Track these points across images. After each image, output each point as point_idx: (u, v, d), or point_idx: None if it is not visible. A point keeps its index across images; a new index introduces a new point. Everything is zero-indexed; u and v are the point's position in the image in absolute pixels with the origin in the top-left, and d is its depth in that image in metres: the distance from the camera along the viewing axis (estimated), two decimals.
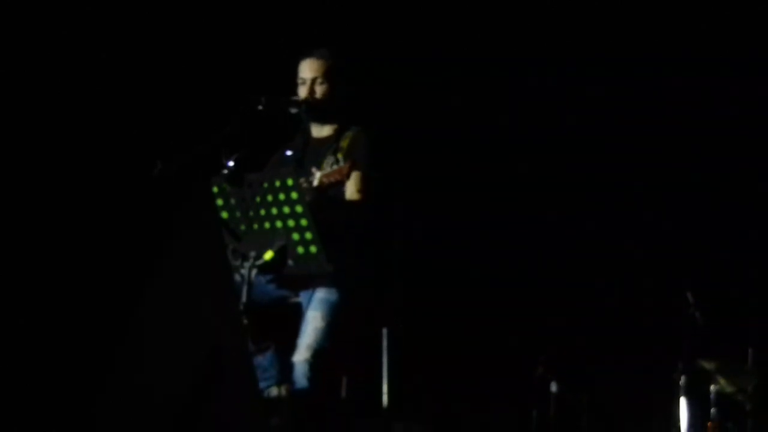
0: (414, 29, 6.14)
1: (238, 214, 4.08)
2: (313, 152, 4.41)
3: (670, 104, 6.27)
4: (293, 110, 4.31)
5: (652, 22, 6.18)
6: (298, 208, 3.98)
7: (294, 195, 3.97)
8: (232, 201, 4.08)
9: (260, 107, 4.12)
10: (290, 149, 4.53)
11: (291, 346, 4.21)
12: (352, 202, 4.29)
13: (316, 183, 4.11)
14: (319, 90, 4.38)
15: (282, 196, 3.98)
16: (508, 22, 6.24)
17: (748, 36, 6.04)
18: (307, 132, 4.52)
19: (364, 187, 4.27)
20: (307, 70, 4.41)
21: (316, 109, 4.39)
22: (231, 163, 3.99)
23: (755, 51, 6.04)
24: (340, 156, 4.14)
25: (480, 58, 6.24)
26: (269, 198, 4.00)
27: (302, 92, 4.40)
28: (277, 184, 3.97)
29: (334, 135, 4.43)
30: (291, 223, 4.00)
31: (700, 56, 6.07)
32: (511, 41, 6.24)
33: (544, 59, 6.26)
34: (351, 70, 4.52)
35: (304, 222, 3.99)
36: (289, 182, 3.96)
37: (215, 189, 4.05)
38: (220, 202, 4.08)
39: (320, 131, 4.49)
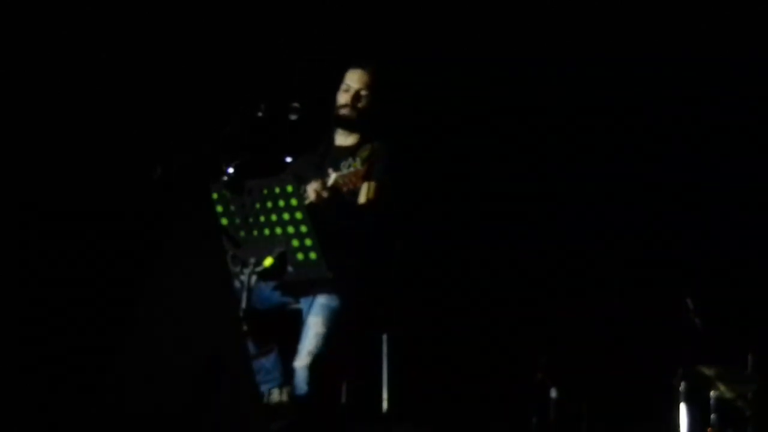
0: (408, 30, 6.12)
1: (237, 220, 4.09)
2: (333, 159, 4.45)
3: (669, 107, 6.26)
4: (293, 117, 4.32)
5: (652, 22, 6.16)
6: (298, 215, 3.99)
7: (294, 201, 3.99)
8: (232, 207, 4.09)
9: (260, 113, 4.13)
10: (308, 154, 4.57)
11: (292, 351, 4.22)
12: (362, 209, 4.32)
13: (330, 183, 4.15)
14: (363, 102, 4.51)
15: (282, 203, 3.99)
16: (504, 22, 6.23)
17: (748, 36, 6.03)
18: (331, 139, 4.59)
19: (376, 197, 4.33)
20: (356, 80, 4.52)
21: (347, 118, 4.49)
22: (231, 170, 4.00)
23: (755, 51, 6.03)
24: (358, 160, 4.17)
25: (477, 58, 6.22)
26: (269, 204, 4.02)
27: (344, 98, 4.52)
28: (277, 190, 3.99)
29: (357, 145, 4.49)
30: (291, 229, 4.01)
31: (700, 56, 6.06)
32: (508, 41, 6.23)
33: (543, 59, 6.25)
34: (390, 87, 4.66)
35: (303, 228, 4.00)
36: (289, 189, 3.98)
37: (215, 195, 4.07)
38: (219, 208, 4.09)
39: (345, 140, 4.57)
